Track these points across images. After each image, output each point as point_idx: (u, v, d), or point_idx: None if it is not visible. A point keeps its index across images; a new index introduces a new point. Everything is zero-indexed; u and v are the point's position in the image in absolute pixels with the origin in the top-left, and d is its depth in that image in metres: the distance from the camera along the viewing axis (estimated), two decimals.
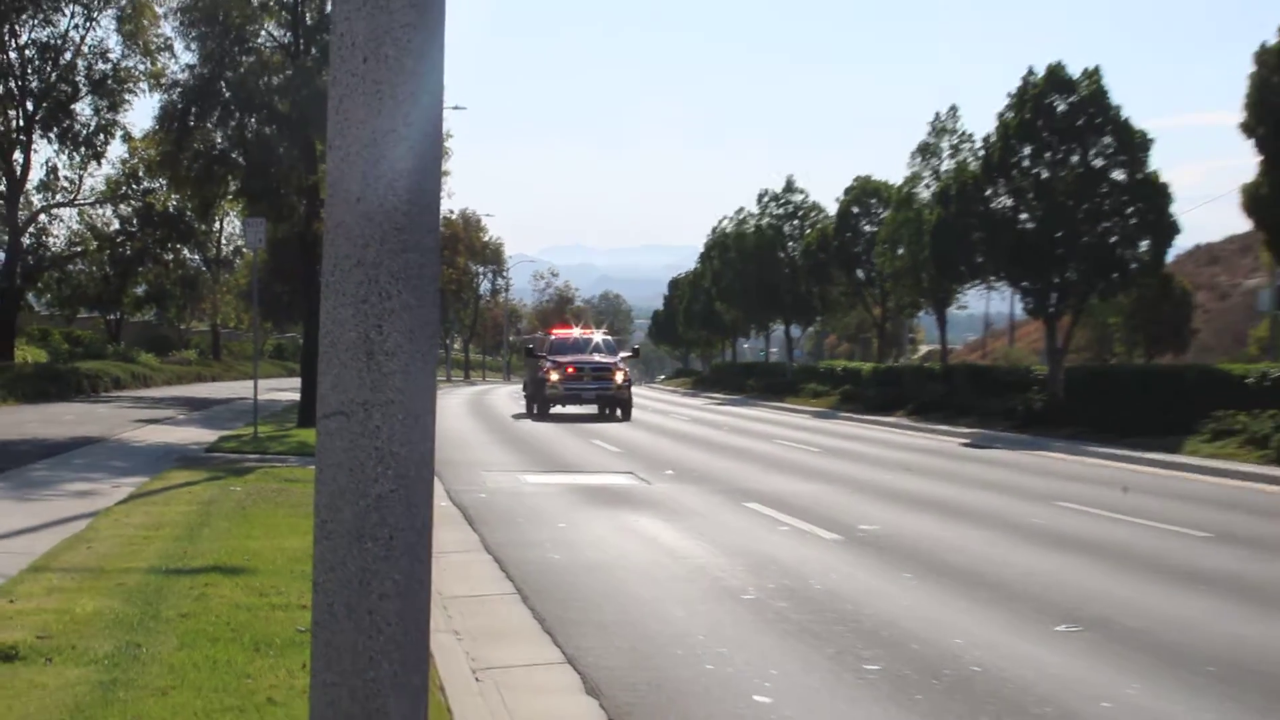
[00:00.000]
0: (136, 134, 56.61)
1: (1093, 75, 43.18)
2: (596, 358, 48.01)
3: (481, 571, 13.95)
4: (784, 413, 56.76)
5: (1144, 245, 42.82)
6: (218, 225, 75.26)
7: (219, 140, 37.56)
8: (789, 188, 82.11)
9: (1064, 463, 30.75)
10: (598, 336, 53.48)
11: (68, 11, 52.03)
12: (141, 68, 52.57)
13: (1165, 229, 42.72)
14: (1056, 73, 43.49)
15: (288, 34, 35.60)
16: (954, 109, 60.19)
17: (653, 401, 66.96)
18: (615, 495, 21.71)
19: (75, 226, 64.84)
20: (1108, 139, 42.69)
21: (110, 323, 79.03)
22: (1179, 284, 66.20)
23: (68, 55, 52.95)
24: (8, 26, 51.24)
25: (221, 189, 41.00)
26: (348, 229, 3.89)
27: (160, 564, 12.44)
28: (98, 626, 9.66)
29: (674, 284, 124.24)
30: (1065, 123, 42.97)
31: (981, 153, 48.14)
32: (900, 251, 58.63)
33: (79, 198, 60.22)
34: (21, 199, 55.30)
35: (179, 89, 38.10)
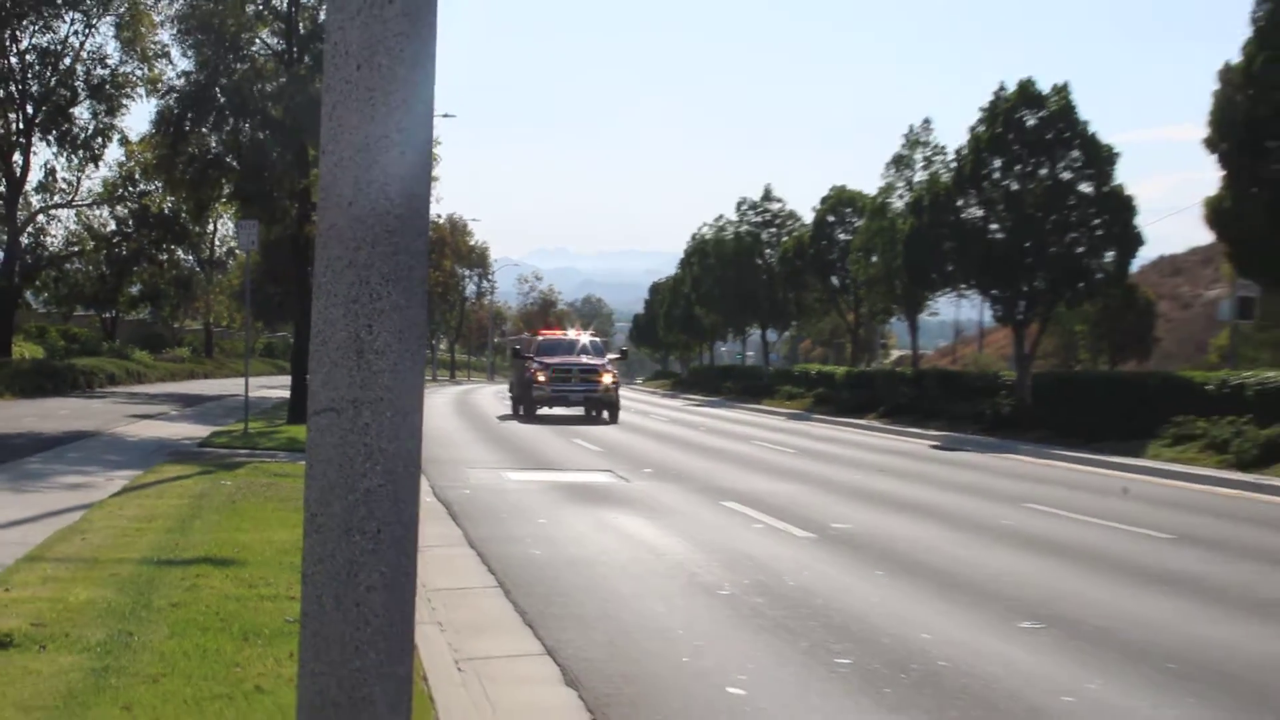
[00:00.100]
0: (133, 138, 56.66)
1: (1061, 91, 43.34)
2: (584, 359, 46.02)
3: (464, 565, 13.93)
4: (760, 414, 56.78)
5: (1109, 256, 42.96)
6: (211, 227, 75.17)
7: (214, 145, 37.53)
8: (767, 196, 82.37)
9: (1030, 465, 30.82)
10: (584, 338, 51.50)
11: (68, 18, 51.91)
12: (139, 73, 52.51)
13: (1130, 240, 42.89)
14: (1027, 88, 43.64)
15: (281, 42, 35.60)
16: (927, 122, 60.35)
17: (633, 402, 66.89)
18: (595, 493, 21.69)
19: (73, 227, 64.82)
20: (1075, 153, 42.84)
21: (106, 321, 78.91)
22: (1143, 294, 66.35)
23: (67, 61, 52.82)
24: (9, 32, 51.13)
25: (216, 192, 41.03)
26: (340, 232, 3.89)
27: (152, 555, 12.41)
28: (91, 615, 9.64)
29: (654, 288, 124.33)
30: (1035, 136, 43.10)
31: (953, 165, 48.26)
32: (874, 259, 58.78)
33: (77, 199, 60.14)
34: (20, 200, 55.17)
35: (175, 94, 38.11)
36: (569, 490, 22.00)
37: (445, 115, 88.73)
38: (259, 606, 10.12)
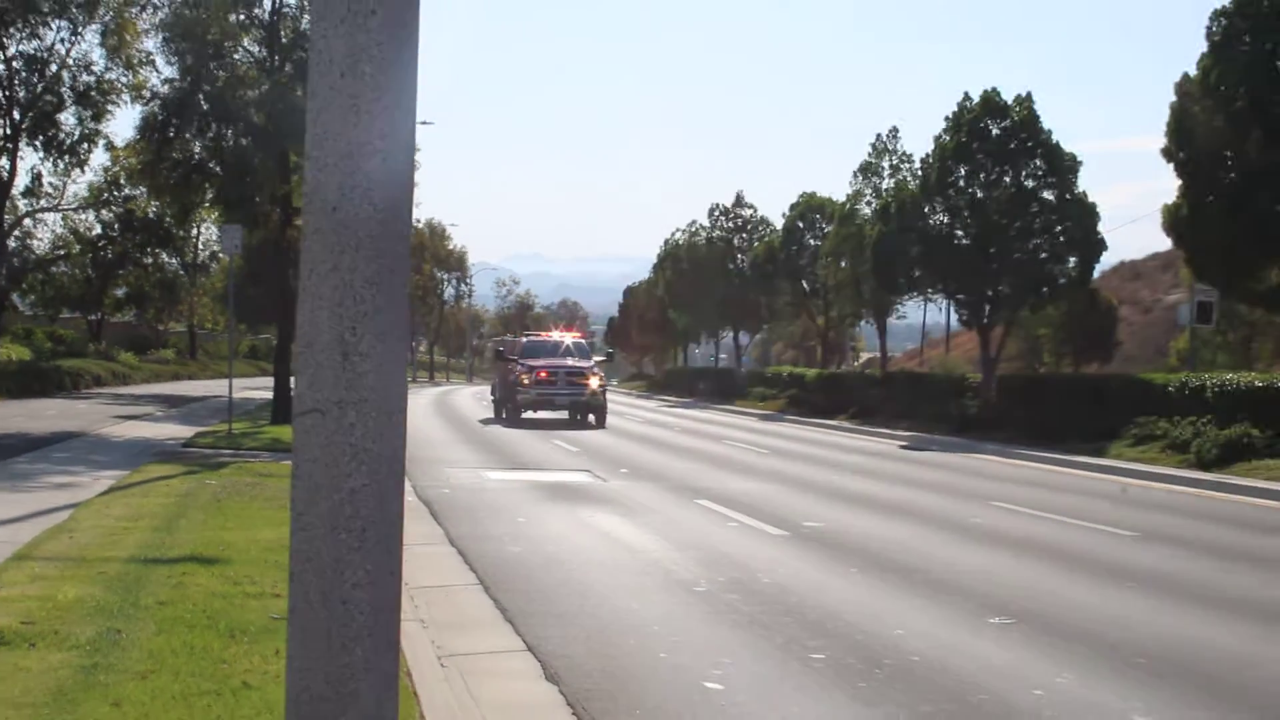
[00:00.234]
0: (118, 143, 56.58)
1: (1025, 101, 43.56)
2: (570, 362, 43.53)
3: (446, 563, 13.90)
4: (733, 415, 56.86)
5: (1072, 261, 43.23)
6: (195, 231, 74.90)
7: (197, 150, 37.48)
8: (739, 203, 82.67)
9: (996, 465, 30.91)
10: (569, 339, 48.41)
11: (54, 26, 51.64)
12: (124, 80, 52.23)
13: (1091, 246, 43.15)
14: (991, 98, 43.83)
15: (263, 50, 35.52)
16: (894, 131, 60.59)
17: (609, 404, 66.96)
18: (573, 492, 21.68)
19: (59, 231, 64.81)
20: (1038, 161, 43.09)
21: (91, 323, 78.75)
22: (1104, 298, 66.52)
23: (53, 67, 52.56)
24: None
25: (199, 197, 41.06)
26: (324, 236, 3.87)
27: (139, 554, 12.37)
28: (79, 613, 9.60)
29: (629, 292, 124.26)
30: (999, 145, 43.35)
31: (920, 172, 48.46)
32: (843, 264, 58.95)
33: (63, 203, 60.08)
34: (7, 204, 54.99)
35: (159, 101, 38.03)
36: (547, 490, 21.98)
37: (424, 123, 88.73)
38: (245, 604, 10.09)
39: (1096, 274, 49.57)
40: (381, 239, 3.88)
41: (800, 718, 8.27)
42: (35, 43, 51.94)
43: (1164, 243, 39.30)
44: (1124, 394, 35.31)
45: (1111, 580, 13.93)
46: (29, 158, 54.98)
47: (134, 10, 45.78)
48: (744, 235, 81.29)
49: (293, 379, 34.32)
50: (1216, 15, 30.05)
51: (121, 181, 63.14)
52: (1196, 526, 19.51)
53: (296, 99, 33.02)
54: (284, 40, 35.08)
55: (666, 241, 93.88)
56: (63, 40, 52.31)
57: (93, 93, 53.09)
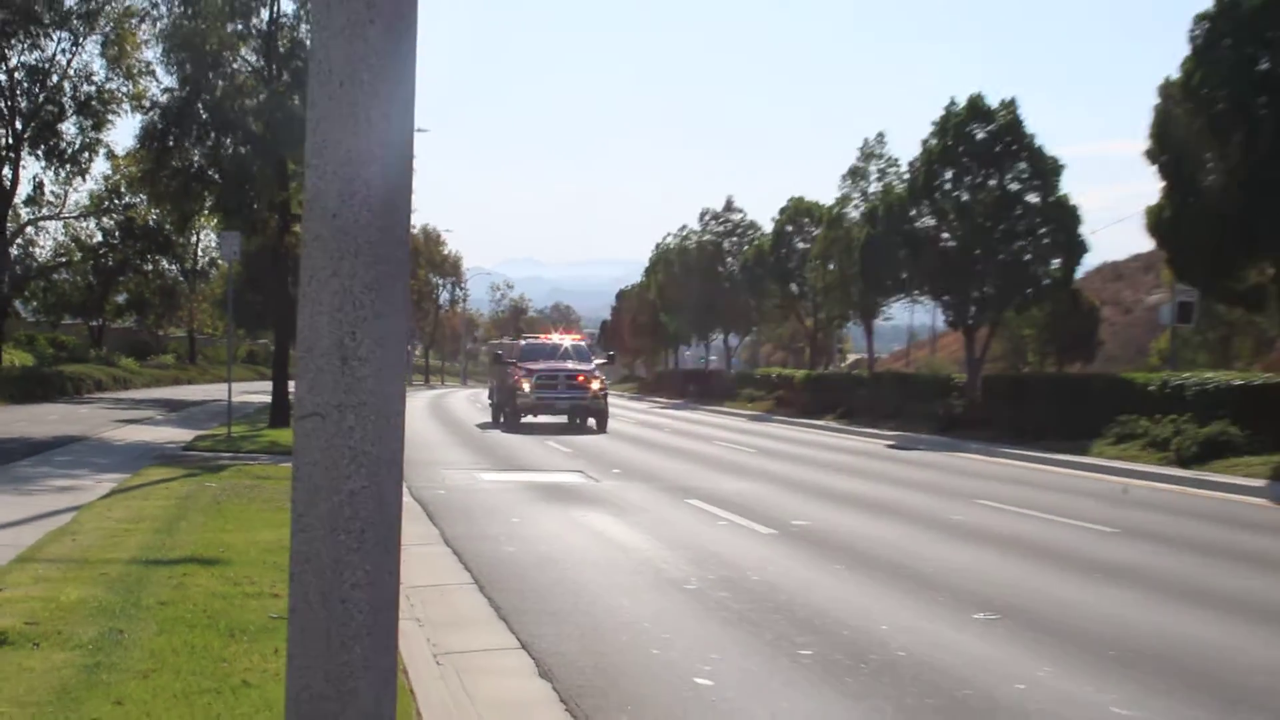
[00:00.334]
0: (119, 152, 56.74)
1: (1009, 106, 43.61)
2: (570, 365, 41.58)
3: (441, 563, 13.90)
4: (723, 416, 56.86)
5: (1055, 263, 43.29)
6: (194, 238, 74.85)
7: (196, 159, 37.45)
8: (728, 207, 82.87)
9: (981, 463, 30.94)
10: (568, 341, 46.22)
11: (55, 37, 51.73)
12: (124, 90, 52.33)
13: (1074, 248, 43.21)
14: (976, 103, 43.90)
15: (261, 60, 35.49)
16: (881, 135, 60.56)
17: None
18: (566, 492, 21.68)
19: (60, 238, 64.77)
20: (1023, 165, 43.16)
21: (93, 329, 78.84)
22: (1087, 299, 66.62)
23: (55, 78, 52.63)
24: None
25: (198, 204, 41.04)
26: (325, 243, 3.88)
27: (140, 555, 12.38)
28: (82, 614, 9.61)
29: (621, 295, 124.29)
30: (984, 149, 43.42)
31: (907, 176, 48.51)
32: (831, 267, 59.00)
33: (64, 211, 60.11)
34: (10, 212, 54.99)
35: (159, 110, 38.07)
36: (540, 490, 21.98)
37: (419, 130, 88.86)
38: (244, 604, 10.10)
39: (1079, 275, 49.68)
40: (380, 245, 3.90)
41: (789, 713, 8.29)
42: (37, 54, 52.09)
43: (1145, 244, 39.40)
44: (1106, 393, 35.36)
45: (1093, 576, 13.96)
46: (31, 166, 54.88)
47: (133, 21, 45.90)
48: (734, 239, 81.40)
49: (291, 383, 34.14)
50: (1199, 19, 30.08)
51: (122, 189, 63.16)
52: (1176, 523, 19.53)
53: (294, 108, 33.03)
54: (281, 50, 35.06)
55: (658, 246, 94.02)
56: (64, 51, 52.44)
57: (93, 102, 53.21)
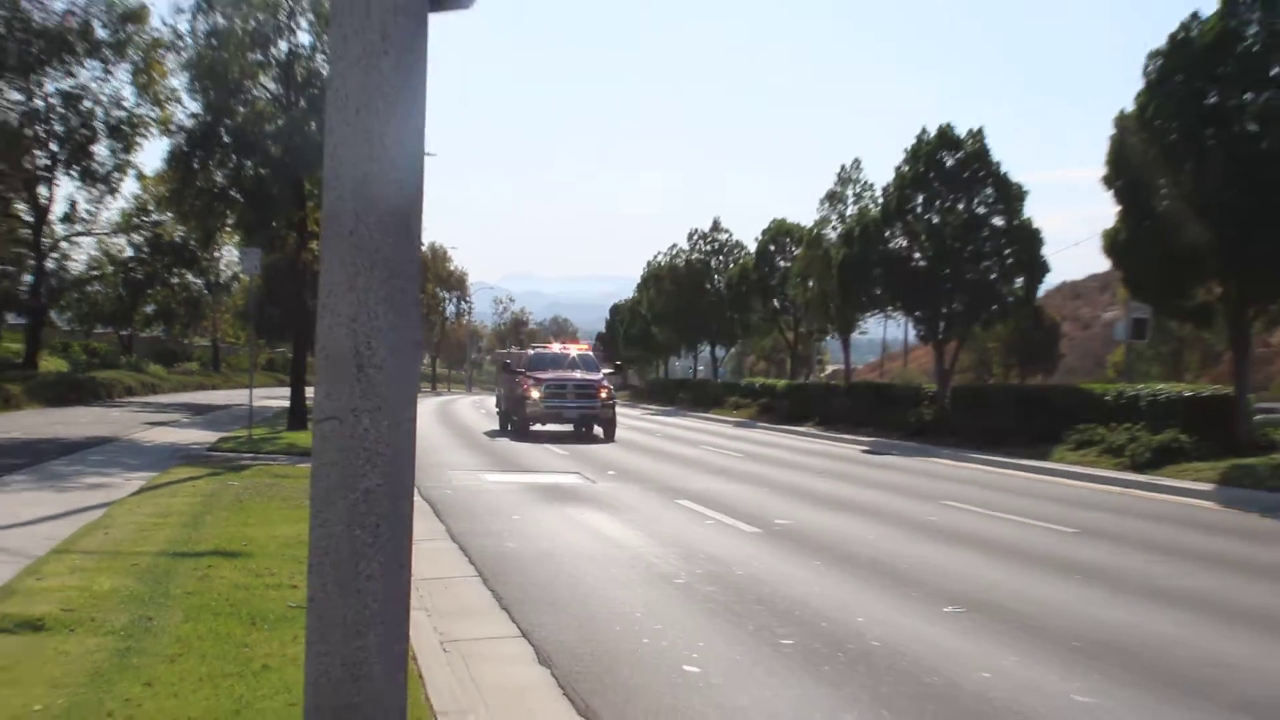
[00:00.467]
0: (148, 173, 56.74)
1: (977, 135, 43.68)
2: (578, 374, 39.40)
3: (447, 557, 13.89)
4: (710, 422, 56.82)
5: (1019, 282, 43.28)
6: (218, 253, 74.81)
7: (220, 179, 37.48)
8: (715, 227, 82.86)
9: (950, 467, 30.94)
10: (575, 351, 44.15)
11: (88, 65, 51.70)
12: (152, 115, 52.25)
13: (1037, 268, 43.23)
14: (946, 132, 43.96)
15: (280, 88, 35.48)
16: (857, 161, 60.67)
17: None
18: (564, 492, 21.66)
19: (93, 253, 64.61)
20: (989, 190, 43.18)
21: (123, 337, 78.92)
22: (1048, 315, 66.92)
23: (88, 103, 52.56)
24: (35, 78, 50.97)
25: (221, 222, 41.14)
26: (342, 258, 3.89)
27: (168, 548, 12.37)
28: (114, 602, 9.60)
29: (615, 309, 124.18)
30: (953, 175, 43.44)
31: (881, 200, 48.49)
32: (810, 284, 58.98)
33: (96, 228, 59.91)
34: (46, 229, 55.01)
35: (185, 134, 38.07)
36: (540, 490, 21.95)
37: (428, 154, 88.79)
38: (265, 594, 10.09)
39: (1041, 293, 49.74)
40: (394, 260, 3.91)
41: (770, 699, 8.28)
42: (71, 81, 52.06)
43: (1102, 265, 39.46)
44: (1065, 403, 35.38)
45: (1053, 573, 13.97)
46: (66, 186, 55.12)
47: (161, 51, 45.87)
48: (720, 257, 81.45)
49: (308, 389, 33.99)
50: (1153, 55, 30.17)
51: (150, 208, 63.13)
52: (1130, 524, 19.54)
53: (310, 132, 33.04)
54: (298, 79, 35.06)
55: (649, 263, 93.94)
56: (96, 78, 52.40)
57: (124, 127, 53.21)
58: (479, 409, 61.79)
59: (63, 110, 52.47)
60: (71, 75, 51.75)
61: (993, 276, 42.99)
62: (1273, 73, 28.54)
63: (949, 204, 43.47)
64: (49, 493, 17.62)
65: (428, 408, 61.77)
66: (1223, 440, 28.75)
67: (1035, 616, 11.24)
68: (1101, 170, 31.36)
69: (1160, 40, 30.29)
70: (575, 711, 7.93)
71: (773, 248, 69.73)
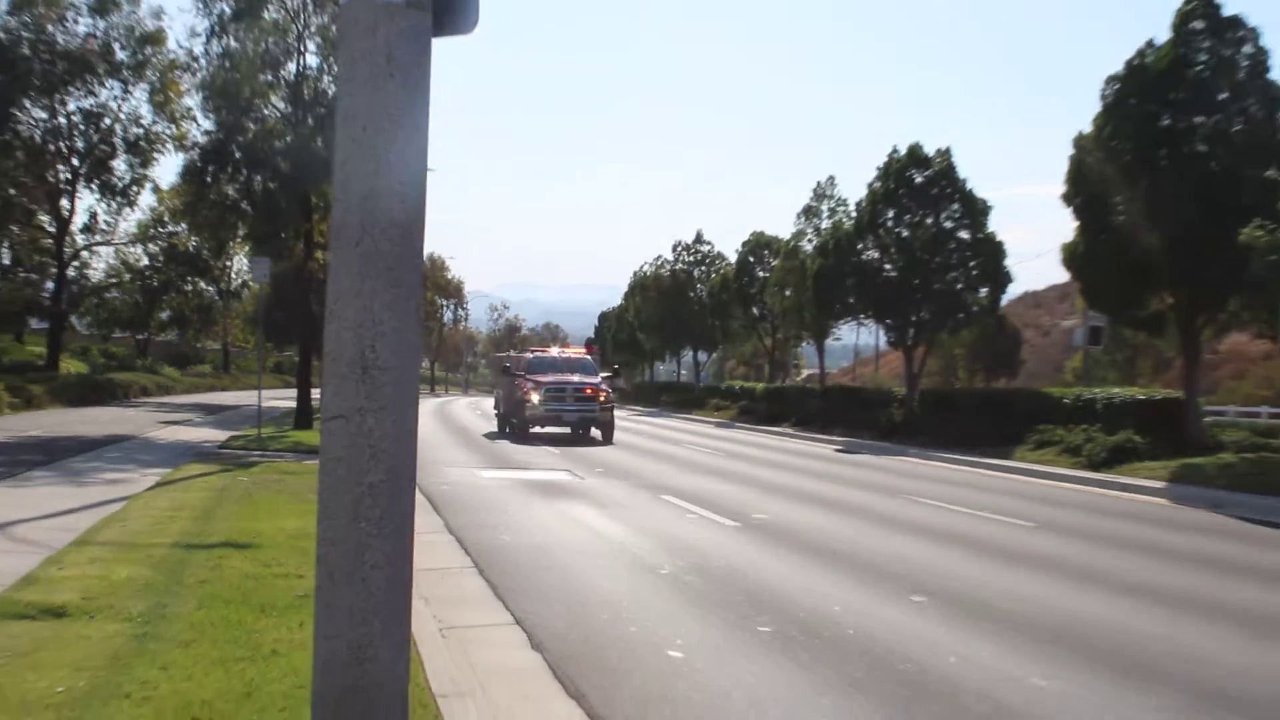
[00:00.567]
0: (163, 186, 56.81)
1: (944, 154, 43.81)
2: (577, 378, 37.82)
3: (445, 549, 13.88)
4: (692, 423, 56.85)
5: (983, 292, 43.43)
6: (229, 262, 74.84)
7: (231, 193, 37.56)
8: (698, 240, 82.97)
9: (918, 465, 30.99)
10: (572, 354, 42.81)
11: (108, 85, 51.84)
12: (168, 132, 52.43)
13: (1000, 279, 43.38)
14: (915, 151, 44.08)
15: (289, 106, 35.49)
16: (832, 178, 61.05)
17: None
18: (555, 488, 21.65)
19: (111, 262, 64.89)
20: (955, 205, 43.31)
21: (139, 341, 78.91)
22: (1010, 323, 67.05)
23: (107, 121, 52.70)
24: (58, 97, 50.98)
25: (232, 233, 41.29)
26: (349, 267, 3.90)
27: (182, 540, 12.36)
28: (131, 590, 9.59)
29: (603, 316, 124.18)
30: (921, 191, 43.59)
31: (854, 214, 48.59)
32: (788, 293, 59.05)
33: (115, 238, 60.00)
34: (67, 239, 54.96)
35: (199, 150, 38.25)
36: (532, 486, 21.95)
37: (429, 170, 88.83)
38: (273, 583, 10.08)
39: (1004, 302, 49.83)
40: (398, 269, 3.92)
41: (750, 682, 8.28)
42: (92, 100, 52.22)
43: (1062, 276, 39.52)
44: (1027, 405, 35.48)
45: (1014, 564, 14.00)
46: (86, 199, 55.06)
47: (177, 72, 45.98)
48: (703, 268, 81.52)
49: (314, 391, 33.91)
50: (1110, 80, 30.30)
51: (166, 220, 63.29)
52: (1088, 519, 19.59)
53: (317, 149, 33.06)
54: (306, 98, 35.07)
55: (636, 273, 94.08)
56: (115, 97, 52.66)
57: (141, 143, 53.38)
58: (475, 410, 61.77)
59: (84, 127, 52.64)
60: (93, 94, 51.99)
61: (959, 286, 43.12)
62: (1221, 97, 28.70)
63: (918, 218, 43.60)
64: (69, 487, 17.60)
65: (427, 408, 61.72)
66: (1173, 441, 28.86)
67: (998, 605, 11.27)
68: (1061, 188, 31.48)
69: (1117, 66, 30.43)
70: (566, 694, 7.93)
71: (752, 259, 69.80)
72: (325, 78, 34.96)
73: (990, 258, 42.94)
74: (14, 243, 55.80)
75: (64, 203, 54.29)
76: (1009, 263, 43.32)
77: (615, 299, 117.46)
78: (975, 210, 43.29)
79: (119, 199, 54.95)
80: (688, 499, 20.11)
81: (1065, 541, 16.41)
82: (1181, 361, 32.96)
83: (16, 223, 53.85)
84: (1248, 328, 32.19)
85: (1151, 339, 47.36)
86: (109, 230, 58.01)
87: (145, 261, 68.34)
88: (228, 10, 34.57)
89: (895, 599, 11.48)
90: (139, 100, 52.85)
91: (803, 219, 60.24)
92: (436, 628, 9.37)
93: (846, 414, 46.51)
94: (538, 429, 37.01)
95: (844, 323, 56.72)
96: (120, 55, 51.43)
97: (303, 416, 35.53)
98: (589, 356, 42.54)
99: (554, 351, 45.59)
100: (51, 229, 54.76)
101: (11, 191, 51.95)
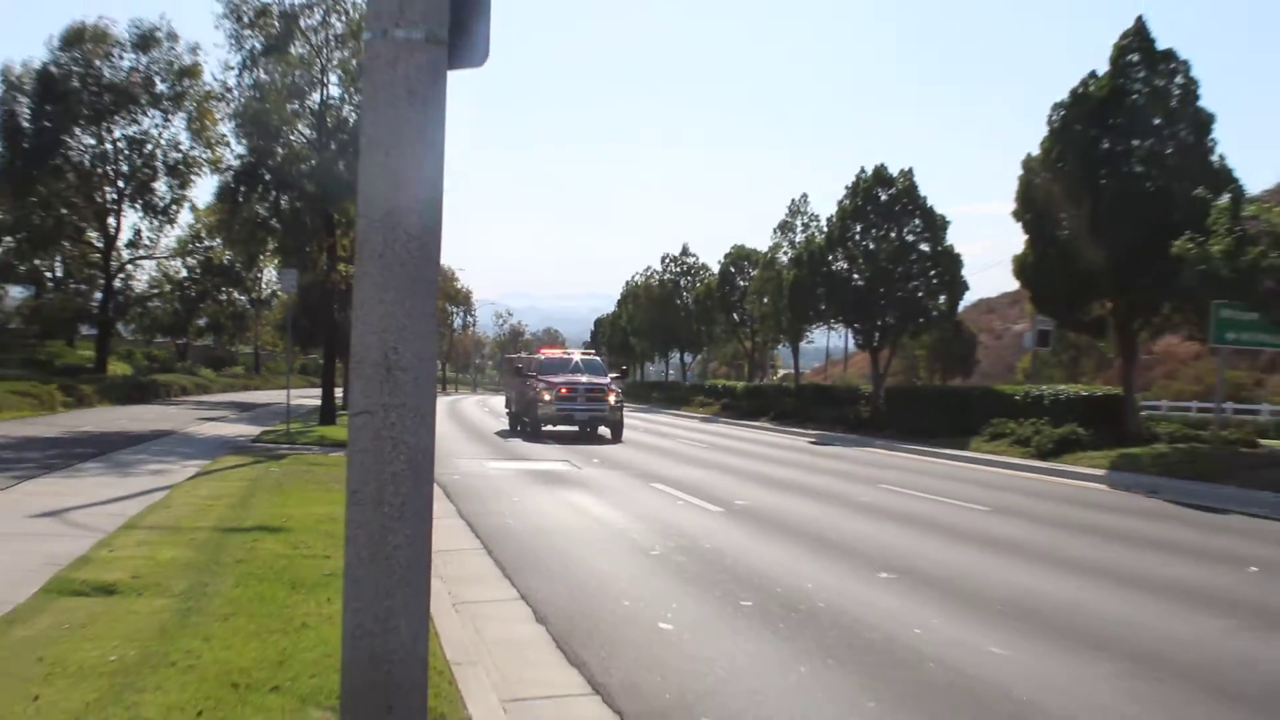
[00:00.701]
0: (200, 205, 56.86)
1: (907, 174, 44.02)
2: (589, 378, 35.72)
3: (457, 533, 13.88)
4: (680, 418, 56.84)
5: (942, 299, 43.62)
6: (259, 274, 74.75)
7: (261, 211, 37.63)
8: (684, 252, 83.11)
9: (884, 456, 31.01)
10: (580, 356, 39.45)
11: (150, 114, 51.83)
12: (204, 156, 52.41)
13: (957, 287, 43.56)
14: (880, 172, 44.27)
15: (314, 133, 35.47)
16: (805, 196, 61.16)
17: None
18: (556, 478, 21.65)
19: (153, 274, 64.71)
20: (917, 220, 43.56)
21: (179, 345, 78.95)
22: (966, 327, 67.03)
23: (149, 147, 52.64)
24: (105, 125, 51.02)
25: (263, 247, 41.33)
26: (373, 278, 3.93)
27: (220, 524, 12.35)
28: (175, 569, 9.58)
29: (599, 322, 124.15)
30: (886, 208, 43.77)
31: (825, 229, 48.67)
32: (765, 301, 59.21)
33: (157, 253, 59.85)
34: (114, 253, 54.95)
35: (232, 173, 38.35)
36: (535, 476, 21.95)
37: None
38: (302, 563, 10.07)
39: (960, 308, 49.96)
40: (416, 280, 3.95)
41: (733, 651, 8.31)
42: (135, 128, 52.26)
43: (1013, 284, 39.58)
44: (981, 401, 35.50)
45: (971, 544, 14.04)
46: (130, 217, 54.84)
47: (212, 102, 45.89)
48: (688, 277, 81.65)
49: (336, 390, 33.77)
50: (1056, 107, 30.41)
51: (202, 236, 63.32)
52: (1035, 503, 19.63)
53: (340, 171, 33.05)
54: (329, 125, 35.06)
55: (628, 283, 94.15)
56: (156, 125, 52.69)
57: (180, 166, 53.44)
58: (483, 407, 61.77)
59: (128, 152, 52.64)
60: (136, 123, 52.04)
61: (920, 294, 43.30)
62: (1155, 123, 28.79)
63: (883, 233, 43.77)
64: (117, 477, 17.57)
65: (439, 406, 61.57)
66: (1113, 433, 28.93)
67: (958, 581, 11.30)
68: (1012, 205, 31.56)
69: (1063, 93, 30.58)
70: (567, 662, 7.95)
71: (733, 269, 69.98)
72: (346, 107, 34.99)
73: (948, 268, 43.10)
74: (66, 257, 55.94)
75: (111, 221, 54.21)
76: (965, 272, 43.63)
77: (609, 306, 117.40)
78: (935, 225, 43.46)
79: (160, 217, 54.90)
80: (676, 487, 20.12)
81: (1016, 523, 16.45)
82: (1120, 361, 32.99)
83: (68, 239, 54.00)
84: (1179, 331, 32.31)
85: (1093, 341, 47.29)
86: (151, 245, 57.91)
87: (184, 273, 68.24)
88: (258, 46, 34.61)
89: (863, 576, 11.51)
90: (178, 128, 52.82)
91: (779, 233, 60.45)
92: (450, 603, 9.38)
93: (819, 410, 46.56)
94: (549, 427, 35.26)
95: (816, 327, 56.81)
96: (161, 87, 51.43)
97: (327, 413, 35.48)
98: (597, 357, 40.61)
99: (560, 352, 43.41)
100: (99, 245, 54.72)
101: (64, 211, 52.17)
